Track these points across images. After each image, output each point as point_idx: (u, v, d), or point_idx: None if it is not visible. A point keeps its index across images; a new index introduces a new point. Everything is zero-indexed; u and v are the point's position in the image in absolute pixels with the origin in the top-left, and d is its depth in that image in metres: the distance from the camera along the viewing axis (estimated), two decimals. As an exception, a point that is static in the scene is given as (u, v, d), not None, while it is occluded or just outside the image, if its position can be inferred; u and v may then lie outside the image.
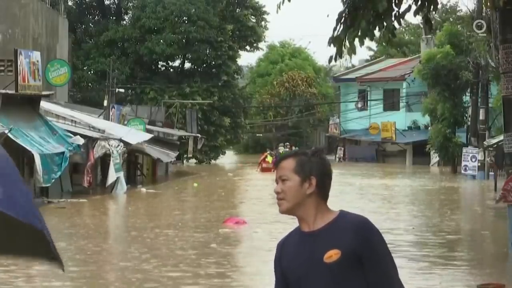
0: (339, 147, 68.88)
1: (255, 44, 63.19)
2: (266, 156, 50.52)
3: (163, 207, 26.26)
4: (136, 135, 35.33)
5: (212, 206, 26.28)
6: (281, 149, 53.63)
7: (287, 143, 56.36)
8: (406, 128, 63.00)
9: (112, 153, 30.03)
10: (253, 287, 13.26)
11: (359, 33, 11.13)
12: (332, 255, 3.38)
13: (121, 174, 30.98)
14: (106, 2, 61.54)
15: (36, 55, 27.94)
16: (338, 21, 11.36)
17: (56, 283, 12.82)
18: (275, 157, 51.25)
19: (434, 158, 55.14)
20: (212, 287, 12.62)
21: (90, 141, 29.26)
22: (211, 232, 19.07)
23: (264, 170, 48.85)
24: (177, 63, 61.07)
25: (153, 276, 13.26)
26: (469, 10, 44.83)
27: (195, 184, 36.61)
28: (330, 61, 11.80)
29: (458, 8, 66.94)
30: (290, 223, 22.11)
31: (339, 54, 11.40)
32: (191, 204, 28.70)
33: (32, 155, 24.12)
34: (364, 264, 3.37)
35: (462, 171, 43.11)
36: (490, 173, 40.08)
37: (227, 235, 18.68)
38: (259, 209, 26.12)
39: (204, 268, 14.09)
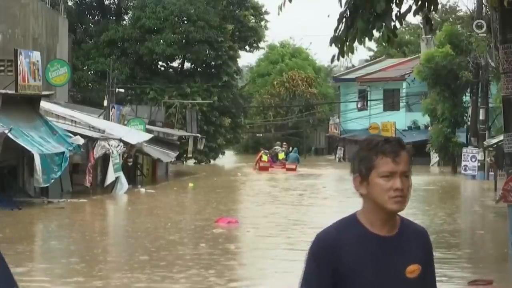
0: (339, 147, 68.91)
1: (255, 44, 63.14)
2: (261, 156, 50.53)
3: (160, 208, 26.23)
4: (136, 135, 35.32)
5: (207, 206, 26.28)
6: (278, 149, 53.59)
7: (284, 143, 56.30)
8: (406, 128, 63.00)
9: (112, 153, 30.03)
10: (247, 286, 13.26)
11: (358, 33, 11.13)
12: (414, 270, 3.25)
13: (121, 174, 30.97)
14: (106, 2, 61.52)
15: (36, 55, 27.92)
16: (339, 21, 11.37)
17: (50, 284, 12.83)
18: (270, 156, 51.30)
19: (434, 158, 55.13)
20: (206, 287, 12.63)
21: (90, 141, 29.27)
22: (202, 232, 19.06)
23: (261, 169, 48.94)
24: (177, 63, 61.07)
25: (146, 276, 13.27)
26: (469, 10, 44.89)
27: (191, 184, 36.60)
28: (332, 61, 11.82)
29: (458, 8, 67.02)
30: (284, 222, 22.07)
31: (341, 54, 11.42)
32: (187, 204, 28.73)
33: (32, 155, 24.11)
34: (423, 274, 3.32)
35: (462, 171, 43.10)
36: (490, 173, 40.07)
37: (218, 235, 18.66)
38: (253, 209, 26.20)
39: (195, 268, 14.08)
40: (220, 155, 62.56)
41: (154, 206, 26.54)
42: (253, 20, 61.96)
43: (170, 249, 16.36)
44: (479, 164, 41.68)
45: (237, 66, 61.84)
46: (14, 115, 25.13)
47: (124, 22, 59.69)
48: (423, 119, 58.24)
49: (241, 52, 62.76)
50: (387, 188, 3.17)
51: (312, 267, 3.22)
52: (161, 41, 56.24)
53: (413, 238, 3.30)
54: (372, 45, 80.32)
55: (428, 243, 3.35)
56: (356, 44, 11.40)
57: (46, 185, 25.57)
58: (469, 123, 46.13)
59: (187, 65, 60.87)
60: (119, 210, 27.29)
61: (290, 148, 55.91)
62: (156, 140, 40.07)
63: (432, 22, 15.61)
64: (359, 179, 3.25)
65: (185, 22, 56.97)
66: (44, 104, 29.32)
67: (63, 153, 25.66)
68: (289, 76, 77.01)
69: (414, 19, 74.36)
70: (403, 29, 77.75)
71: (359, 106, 68.33)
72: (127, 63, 56.47)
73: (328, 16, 13.17)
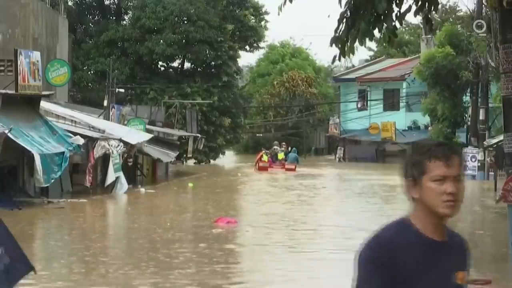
0: (339, 147, 68.88)
1: (255, 44, 63.13)
2: (261, 156, 50.56)
3: (160, 208, 26.26)
4: (136, 135, 35.33)
5: (207, 206, 26.29)
6: (277, 149, 53.59)
7: (283, 143, 56.28)
8: (406, 128, 63.02)
9: (112, 153, 30.04)
10: (246, 285, 13.26)
11: (359, 34, 11.13)
12: (463, 277, 3.28)
13: (121, 174, 30.97)
14: (106, 2, 61.53)
15: (36, 55, 27.92)
16: (339, 21, 11.36)
17: (50, 284, 12.84)
18: (270, 156, 51.33)
19: (434, 158, 55.07)
20: (204, 286, 12.64)
21: (90, 141, 29.27)
22: (202, 232, 19.07)
23: (261, 169, 48.96)
24: (177, 63, 61.06)
25: (145, 275, 13.28)
26: (469, 10, 44.91)
27: (190, 184, 36.61)
28: (333, 61, 11.81)
29: (458, 8, 67.04)
30: (284, 222, 21.99)
31: (342, 54, 11.41)
32: (187, 204, 28.73)
33: (32, 155, 24.11)
34: None
35: (462, 171, 43.06)
36: (490, 173, 40.07)
37: (217, 235, 18.66)
38: (253, 209, 26.21)
39: (195, 268, 14.09)
40: (220, 155, 62.56)
41: (154, 206, 26.55)
42: (253, 20, 61.95)
43: (169, 248, 16.36)
44: (479, 164, 41.68)
45: (237, 66, 61.83)
46: (14, 115, 25.13)
47: (124, 22, 59.69)
48: (423, 119, 58.24)
49: (241, 52, 62.81)
50: (439, 192, 3.18)
51: (370, 269, 3.16)
52: (161, 41, 56.24)
53: (458, 245, 3.34)
54: (372, 45, 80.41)
55: (469, 252, 3.41)
56: (356, 44, 11.40)
57: (47, 185, 25.59)
58: (469, 123, 46.12)
59: (187, 65, 60.89)
60: (119, 210, 27.30)
61: (289, 148, 55.92)
62: (156, 140, 40.08)
63: (432, 22, 15.61)
64: (411, 183, 3.26)
65: (185, 22, 56.97)
66: (44, 104, 29.32)
67: (63, 153, 25.67)
68: (289, 76, 77.00)
69: (414, 19, 74.38)
70: (403, 29, 77.76)
71: (359, 106, 68.33)
72: (127, 63, 56.47)
73: (329, 16, 13.16)
